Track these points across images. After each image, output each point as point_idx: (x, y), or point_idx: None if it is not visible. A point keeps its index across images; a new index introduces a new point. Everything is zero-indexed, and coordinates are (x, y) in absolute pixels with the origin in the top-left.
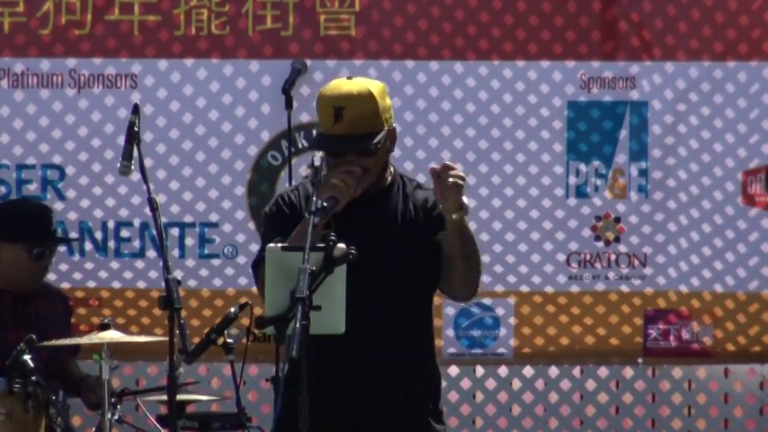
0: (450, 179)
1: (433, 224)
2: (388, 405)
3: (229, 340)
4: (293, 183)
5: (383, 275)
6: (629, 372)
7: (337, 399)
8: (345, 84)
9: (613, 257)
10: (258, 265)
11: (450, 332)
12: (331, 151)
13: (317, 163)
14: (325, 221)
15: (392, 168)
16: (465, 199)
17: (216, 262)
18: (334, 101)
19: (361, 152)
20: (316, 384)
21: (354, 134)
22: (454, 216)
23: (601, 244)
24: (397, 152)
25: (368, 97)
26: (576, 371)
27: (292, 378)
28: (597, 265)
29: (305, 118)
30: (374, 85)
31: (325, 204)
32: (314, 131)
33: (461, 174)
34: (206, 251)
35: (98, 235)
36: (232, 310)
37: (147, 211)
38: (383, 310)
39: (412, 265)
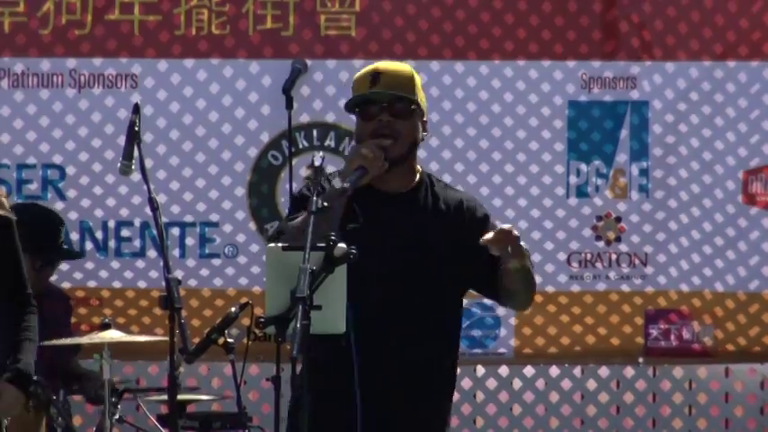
0: (510, 247)
1: (472, 231)
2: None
3: (230, 340)
4: (293, 183)
5: (412, 279)
6: (629, 371)
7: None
8: (381, 62)
9: (614, 257)
10: (270, 239)
11: None
12: (368, 102)
13: (317, 163)
14: (353, 216)
15: (420, 167)
16: (523, 243)
17: (216, 262)
18: (372, 70)
19: (395, 113)
20: (347, 394)
21: (391, 92)
22: (519, 264)
23: (601, 243)
24: None
25: (405, 69)
26: (577, 370)
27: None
28: (598, 264)
29: (305, 118)
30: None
31: (350, 179)
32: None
33: (514, 233)
34: (206, 251)
35: (98, 235)
36: (233, 309)
37: (148, 210)
38: (411, 317)
39: (444, 267)
